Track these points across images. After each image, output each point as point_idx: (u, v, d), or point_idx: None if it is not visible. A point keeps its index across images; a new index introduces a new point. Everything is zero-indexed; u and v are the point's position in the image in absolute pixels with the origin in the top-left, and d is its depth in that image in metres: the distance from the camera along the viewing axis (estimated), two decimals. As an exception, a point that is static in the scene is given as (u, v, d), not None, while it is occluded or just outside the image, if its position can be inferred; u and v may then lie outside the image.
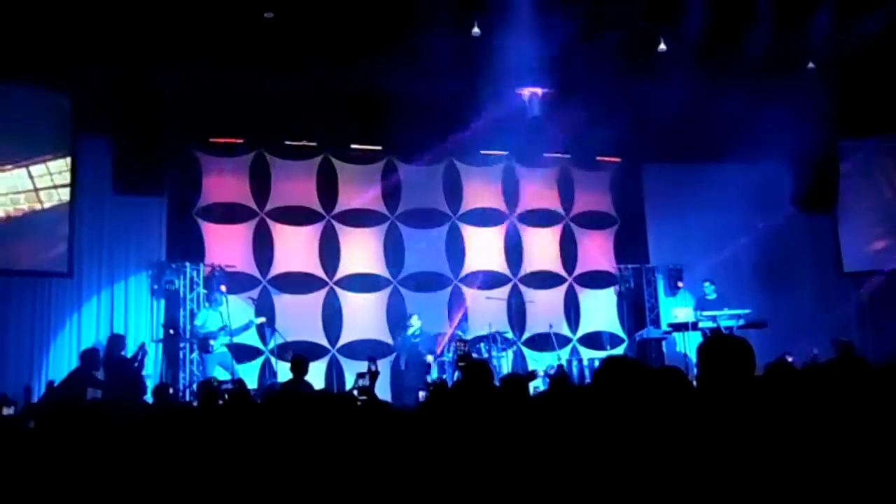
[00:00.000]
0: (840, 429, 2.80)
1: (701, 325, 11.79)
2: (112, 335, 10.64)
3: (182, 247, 11.73)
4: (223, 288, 11.22)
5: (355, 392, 8.89)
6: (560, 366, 11.70)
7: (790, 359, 11.48)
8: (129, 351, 10.31)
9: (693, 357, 11.85)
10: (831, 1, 10.32)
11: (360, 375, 9.38)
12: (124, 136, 10.96)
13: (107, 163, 11.05)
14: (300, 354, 9.10)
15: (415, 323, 11.66)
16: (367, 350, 12.08)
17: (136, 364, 9.90)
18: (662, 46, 10.94)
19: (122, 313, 11.24)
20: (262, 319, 11.38)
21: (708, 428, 2.72)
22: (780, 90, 11.37)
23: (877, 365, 4.24)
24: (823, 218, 14.00)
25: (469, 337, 11.91)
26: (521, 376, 7.63)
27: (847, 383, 3.68)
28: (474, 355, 11.20)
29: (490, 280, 13.17)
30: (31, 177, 10.60)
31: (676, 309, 12.55)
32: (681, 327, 12.02)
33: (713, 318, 11.70)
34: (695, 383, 3.40)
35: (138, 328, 11.20)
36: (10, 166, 10.43)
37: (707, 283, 12.43)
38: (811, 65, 11.57)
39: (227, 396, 7.75)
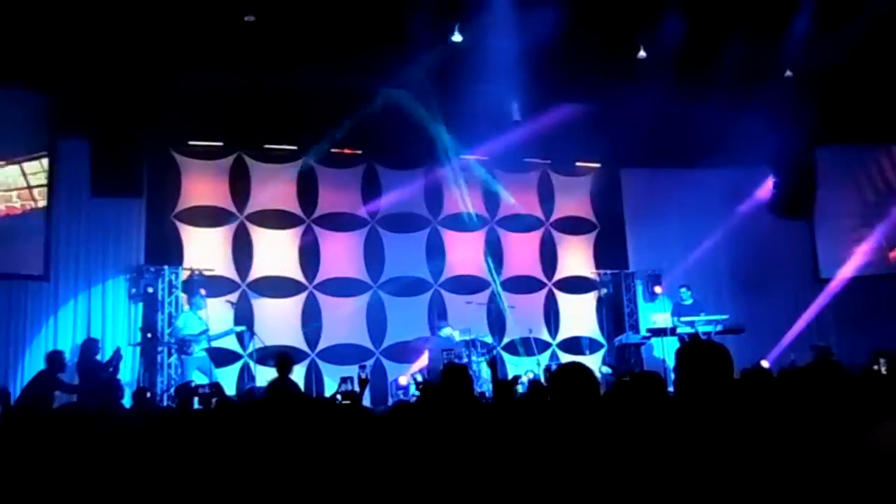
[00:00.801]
0: (814, 434, 2.83)
1: (679, 330, 11.89)
2: (86, 339, 10.55)
3: (160, 250, 11.65)
4: (203, 291, 11.15)
5: (339, 396, 8.86)
6: (548, 367, 11.82)
7: (766, 364, 11.62)
8: (106, 354, 10.24)
9: (671, 362, 11.94)
10: (808, 11, 10.42)
11: (344, 380, 9.34)
12: (103, 139, 10.89)
13: (85, 165, 10.98)
14: (285, 353, 9.11)
15: (449, 332, 11.72)
16: (346, 355, 12.09)
17: (110, 368, 9.82)
18: (642, 53, 11.02)
19: (99, 317, 11.15)
20: (242, 328, 11.34)
21: (684, 432, 2.74)
22: (757, 98, 11.47)
23: (852, 370, 4.30)
24: (800, 224, 14.14)
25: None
26: (510, 382, 7.67)
27: (822, 389, 3.72)
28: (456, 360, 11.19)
29: (470, 285, 13.19)
30: (7, 178, 10.51)
31: (655, 314, 12.63)
32: (659, 332, 12.10)
33: (691, 324, 11.78)
34: (672, 388, 3.43)
35: (116, 332, 11.11)
36: (-14, 168, 10.35)
37: (683, 289, 12.52)
38: (788, 73, 11.69)
39: (212, 402, 7.73)
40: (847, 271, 14.00)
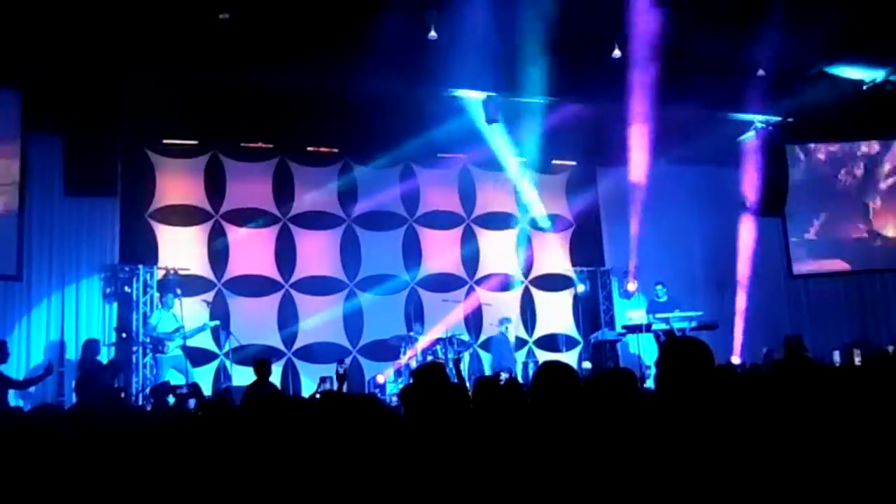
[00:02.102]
0: (784, 429, 2.88)
1: (654, 327, 11.98)
2: (88, 340, 10.52)
3: (135, 249, 11.57)
4: (179, 290, 11.08)
5: (318, 396, 8.86)
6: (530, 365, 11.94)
7: (737, 360, 11.78)
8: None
9: (646, 359, 12.05)
10: (781, 12, 10.52)
11: (323, 380, 9.35)
12: (75, 136, 10.75)
13: (57, 163, 10.83)
14: (264, 358, 9.10)
15: (506, 328, 12.08)
16: (323, 353, 12.06)
17: (114, 378, 9.74)
18: (617, 53, 11.08)
19: (73, 317, 11.05)
20: (217, 323, 11.30)
21: (665, 427, 2.78)
22: (730, 96, 11.59)
23: (822, 365, 4.37)
24: (773, 221, 14.30)
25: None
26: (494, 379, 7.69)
27: (792, 384, 3.78)
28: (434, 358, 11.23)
29: (447, 283, 13.21)
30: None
31: (630, 311, 12.72)
32: (635, 329, 12.19)
33: (666, 321, 11.89)
34: (651, 385, 3.47)
35: (90, 332, 10.98)
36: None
37: (659, 286, 12.62)
38: (761, 72, 11.80)
39: (190, 402, 7.70)
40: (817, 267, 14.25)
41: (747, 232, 13.76)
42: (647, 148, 12.51)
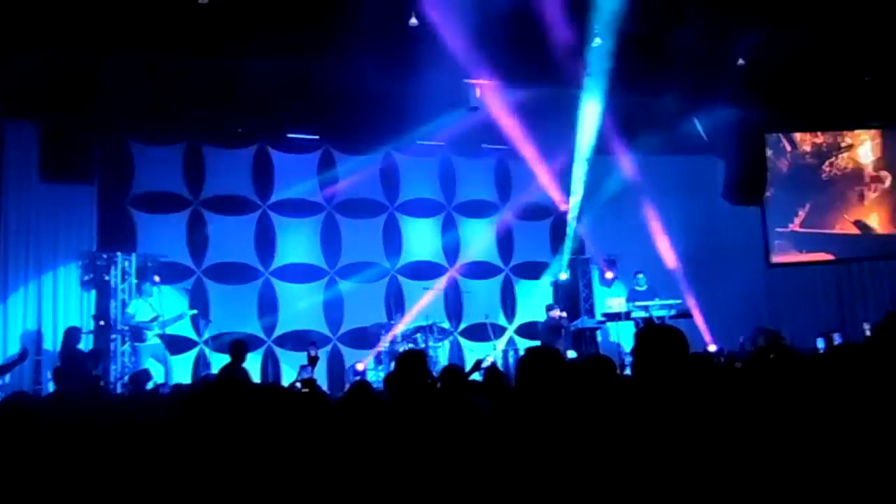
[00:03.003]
0: (759, 416, 2.91)
1: (633, 315, 12.07)
2: (69, 328, 10.40)
3: (113, 236, 11.47)
4: (157, 278, 11.01)
5: (298, 384, 8.84)
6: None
7: (713, 348, 11.87)
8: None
9: (625, 346, 12.12)
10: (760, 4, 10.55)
11: (304, 367, 9.33)
12: (52, 122, 10.63)
13: (33, 149, 10.70)
14: (240, 340, 9.08)
15: (557, 313, 12.16)
16: (303, 341, 12.02)
17: (95, 368, 9.67)
18: (598, 41, 11.06)
19: (50, 305, 10.96)
20: (195, 312, 11.25)
21: (639, 415, 2.80)
22: (710, 85, 11.61)
23: (801, 353, 4.42)
24: (752, 210, 14.39)
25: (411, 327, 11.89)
26: (459, 367, 7.70)
27: (769, 372, 3.82)
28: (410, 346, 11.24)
29: (427, 271, 13.22)
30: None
31: (610, 299, 12.79)
32: (614, 317, 12.27)
33: (645, 308, 11.97)
34: (629, 371, 3.50)
35: (68, 320, 10.89)
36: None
37: (640, 275, 12.69)
38: (741, 61, 11.83)
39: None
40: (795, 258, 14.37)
41: (726, 220, 13.84)
42: (627, 137, 12.55)
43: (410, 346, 11.19)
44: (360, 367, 11.40)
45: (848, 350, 3.48)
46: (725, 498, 2.52)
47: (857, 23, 11.08)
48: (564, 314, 12.42)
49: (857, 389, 3.09)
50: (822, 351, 11.12)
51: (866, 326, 11.79)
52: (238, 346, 8.74)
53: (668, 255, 13.35)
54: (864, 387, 3.10)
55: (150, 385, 8.99)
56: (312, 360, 9.27)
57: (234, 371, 8.34)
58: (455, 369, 5.68)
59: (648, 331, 3.38)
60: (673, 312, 11.87)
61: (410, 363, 4.52)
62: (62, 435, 3.28)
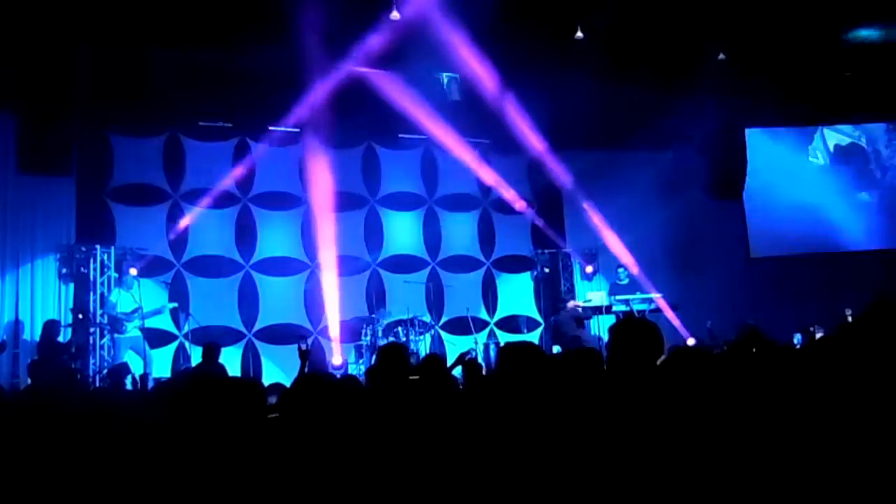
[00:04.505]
0: (734, 406, 2.93)
1: (614, 308, 12.11)
2: (48, 320, 10.33)
3: (92, 229, 11.38)
4: (133, 271, 10.90)
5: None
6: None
7: (692, 342, 11.92)
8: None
9: (606, 339, 12.14)
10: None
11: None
12: (30, 112, 10.52)
13: (10, 140, 10.61)
14: (212, 342, 9.04)
15: (573, 304, 12.40)
16: (284, 334, 11.99)
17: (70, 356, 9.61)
18: (579, 34, 11.08)
19: (28, 298, 10.85)
20: (175, 305, 11.19)
21: (615, 408, 2.81)
22: (690, 80, 11.66)
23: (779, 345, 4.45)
24: (732, 205, 14.47)
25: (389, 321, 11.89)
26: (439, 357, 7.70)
27: (747, 363, 3.85)
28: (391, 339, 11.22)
29: (408, 264, 13.21)
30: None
31: (591, 293, 12.83)
32: (595, 310, 12.31)
33: (626, 302, 12.02)
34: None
35: (46, 313, 10.79)
36: None
37: (621, 269, 12.74)
38: (722, 56, 11.89)
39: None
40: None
41: (706, 214, 13.91)
42: (607, 131, 12.58)
43: (392, 339, 11.17)
44: (336, 361, 11.40)
45: (827, 343, 3.51)
46: (699, 489, 2.53)
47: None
48: (581, 303, 12.51)
49: (836, 379, 3.12)
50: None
51: (848, 312, 11.82)
52: (209, 348, 8.76)
53: (625, 254, 13.31)
54: (843, 377, 3.12)
55: (128, 379, 8.94)
56: (303, 355, 9.21)
57: (209, 369, 8.30)
58: (436, 358, 5.70)
59: (622, 324, 3.39)
60: (654, 306, 11.92)
61: (391, 356, 4.53)
62: (34, 429, 3.25)
